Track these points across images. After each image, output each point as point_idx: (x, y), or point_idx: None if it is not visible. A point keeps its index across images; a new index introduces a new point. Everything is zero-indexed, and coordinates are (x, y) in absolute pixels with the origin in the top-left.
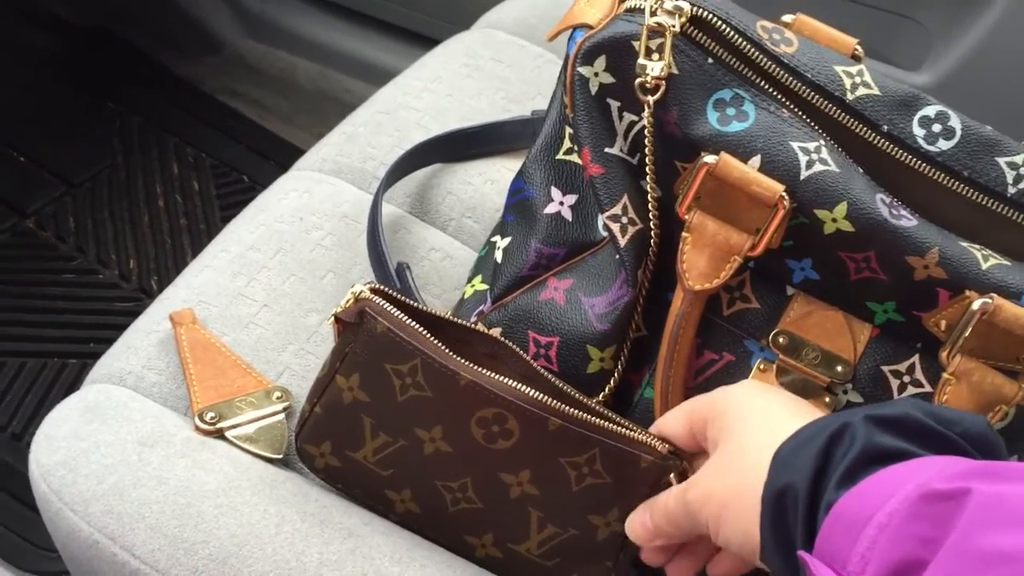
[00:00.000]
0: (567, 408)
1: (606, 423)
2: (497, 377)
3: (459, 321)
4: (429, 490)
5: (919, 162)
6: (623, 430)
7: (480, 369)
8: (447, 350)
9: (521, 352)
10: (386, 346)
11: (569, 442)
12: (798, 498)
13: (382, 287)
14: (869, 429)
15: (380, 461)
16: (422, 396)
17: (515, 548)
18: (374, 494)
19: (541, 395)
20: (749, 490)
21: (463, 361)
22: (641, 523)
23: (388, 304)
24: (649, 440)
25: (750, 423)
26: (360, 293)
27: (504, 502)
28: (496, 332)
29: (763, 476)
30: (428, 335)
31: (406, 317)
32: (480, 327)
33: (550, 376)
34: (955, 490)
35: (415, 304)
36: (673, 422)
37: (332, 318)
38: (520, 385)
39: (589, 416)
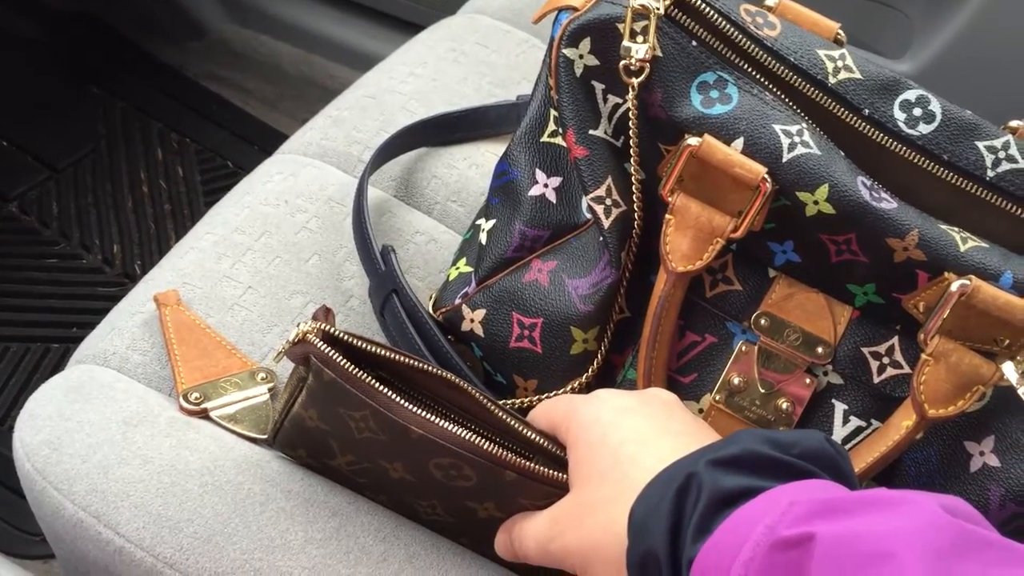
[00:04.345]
0: (523, 462)
1: (566, 475)
2: (450, 428)
3: (410, 362)
4: (403, 502)
5: (900, 145)
6: None
7: (432, 418)
8: (398, 398)
9: (473, 391)
10: (335, 393)
11: (528, 488)
12: (660, 562)
13: (329, 328)
14: (713, 474)
15: (354, 472)
16: (377, 439)
17: (491, 551)
18: (356, 490)
19: (495, 448)
20: (608, 548)
21: (415, 410)
22: (505, 546)
23: (334, 351)
24: None
25: (600, 465)
26: (305, 334)
27: (473, 520)
28: (481, 313)
29: (619, 533)
30: (376, 385)
31: (352, 367)
32: (431, 368)
33: (503, 414)
34: (800, 536)
35: (362, 345)
36: (541, 425)
37: (280, 352)
38: (473, 436)
39: (548, 471)
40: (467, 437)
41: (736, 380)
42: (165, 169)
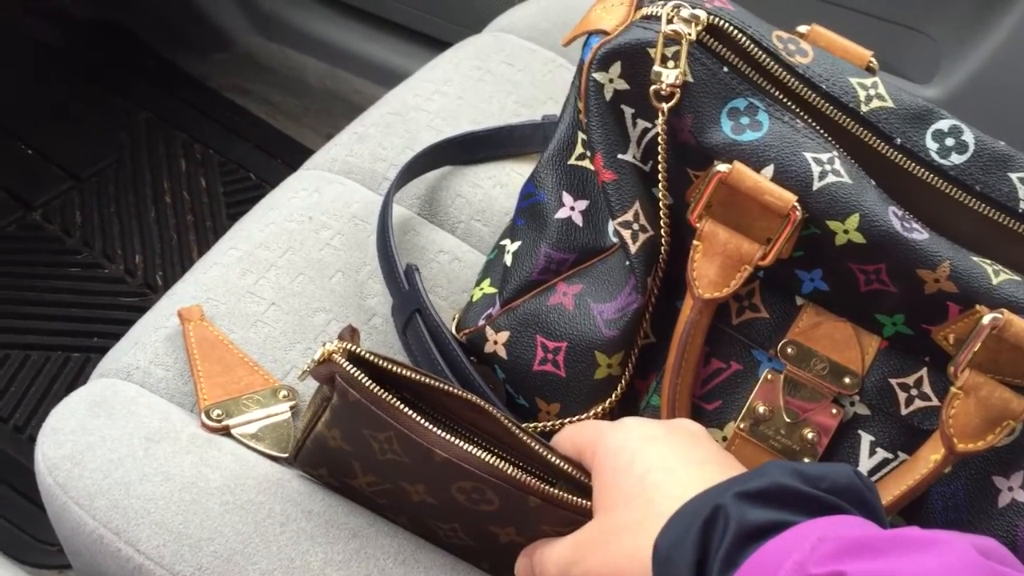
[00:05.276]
0: (547, 488)
1: (589, 503)
2: (474, 452)
3: (434, 384)
4: (423, 524)
5: (932, 176)
6: None
7: (457, 442)
8: (423, 421)
9: (498, 415)
10: (360, 414)
11: (551, 514)
12: None
13: (355, 348)
14: (740, 507)
15: (374, 493)
16: (400, 460)
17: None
18: (376, 511)
19: (519, 473)
20: (632, 575)
21: (440, 433)
22: (525, 571)
23: (360, 372)
24: None
25: (625, 492)
26: (331, 354)
27: (495, 545)
28: (504, 336)
29: (643, 559)
30: (401, 407)
31: (378, 388)
32: (455, 389)
33: (528, 439)
34: (831, 575)
35: (387, 366)
36: (566, 449)
37: (305, 371)
38: (498, 461)
39: (572, 497)
40: (491, 461)
41: (761, 408)
42: (188, 180)
